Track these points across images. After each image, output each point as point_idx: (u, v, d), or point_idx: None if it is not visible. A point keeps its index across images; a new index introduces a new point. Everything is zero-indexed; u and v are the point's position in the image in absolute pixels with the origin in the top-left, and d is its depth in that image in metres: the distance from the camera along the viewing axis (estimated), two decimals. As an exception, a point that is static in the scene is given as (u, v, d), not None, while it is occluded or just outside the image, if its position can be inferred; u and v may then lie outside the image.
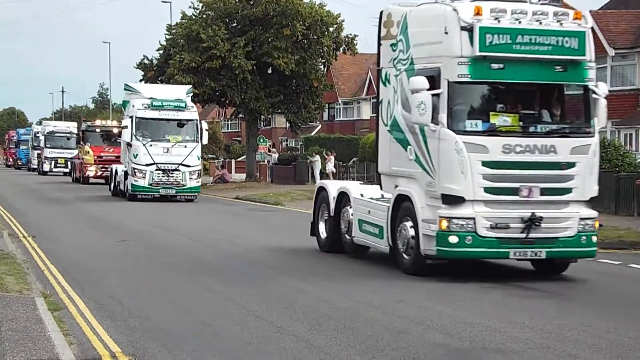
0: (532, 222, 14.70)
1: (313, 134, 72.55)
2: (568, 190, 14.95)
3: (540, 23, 14.80)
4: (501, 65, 14.68)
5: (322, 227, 19.47)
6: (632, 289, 15.48)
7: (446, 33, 14.82)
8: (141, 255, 18.89)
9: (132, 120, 36.23)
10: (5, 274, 14.48)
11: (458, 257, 15.08)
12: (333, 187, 19.16)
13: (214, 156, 70.78)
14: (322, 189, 19.66)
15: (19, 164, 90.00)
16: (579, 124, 15.40)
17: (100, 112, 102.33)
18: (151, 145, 35.88)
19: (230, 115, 60.68)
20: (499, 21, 14.66)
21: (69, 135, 70.64)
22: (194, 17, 49.44)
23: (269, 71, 50.00)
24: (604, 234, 19.92)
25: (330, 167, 50.61)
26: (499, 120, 14.88)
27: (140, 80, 49.75)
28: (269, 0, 47.56)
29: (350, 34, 50.84)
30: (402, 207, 15.87)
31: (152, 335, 10.77)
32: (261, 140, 56.28)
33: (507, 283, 14.99)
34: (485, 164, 14.61)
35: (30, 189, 46.52)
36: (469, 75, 14.64)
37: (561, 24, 14.90)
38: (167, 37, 51.17)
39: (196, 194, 37.08)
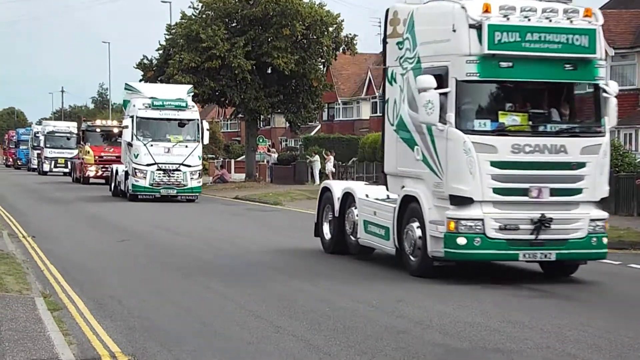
0: (541, 224, 14.48)
1: (312, 134, 72.55)
2: (578, 191, 14.72)
3: (550, 20, 14.56)
4: (510, 64, 14.45)
5: (326, 228, 19.20)
6: (632, 289, 15.47)
7: (454, 31, 14.58)
8: (141, 255, 18.89)
9: (132, 120, 36.03)
10: (5, 273, 14.48)
11: (466, 259, 14.81)
12: (337, 188, 18.87)
13: (214, 156, 70.79)
14: (326, 190, 19.37)
15: (19, 164, 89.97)
16: (590, 123, 15.17)
17: (100, 112, 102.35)
18: (152, 145, 35.68)
19: (230, 115, 60.69)
20: (508, 19, 14.43)
21: (69, 135, 70.57)
22: (193, 17, 49.46)
23: (269, 71, 50.01)
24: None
25: (330, 167, 50.60)
26: (508, 119, 14.66)
27: (140, 80, 49.71)
28: (268, 0, 47.57)
29: (350, 34, 50.94)
30: (408, 208, 15.64)
31: (152, 335, 10.77)
32: (261, 140, 56.27)
33: (507, 283, 14.97)
34: (494, 164, 14.39)
35: (30, 189, 46.52)
36: (478, 74, 14.42)
37: (571, 21, 14.65)
38: (167, 37, 51.19)
39: (197, 194, 36.89)
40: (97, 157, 51.34)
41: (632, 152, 34.78)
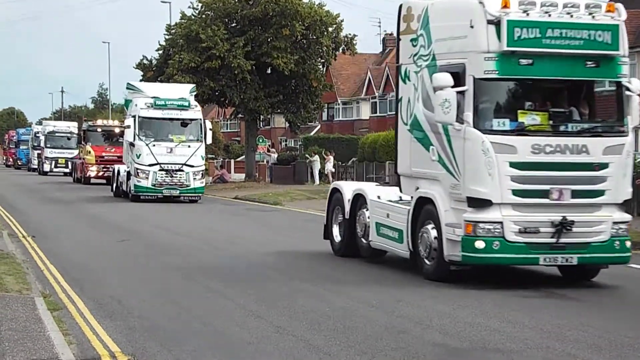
0: (562, 227, 14.02)
1: (312, 134, 72.53)
2: (601, 193, 14.26)
3: (571, 16, 14.10)
4: (530, 61, 14.01)
5: (336, 230, 18.69)
6: (632, 288, 15.46)
7: (472, 27, 14.12)
8: (141, 255, 18.89)
9: (134, 120, 35.67)
10: (4, 273, 14.49)
11: (485, 264, 14.37)
12: (348, 189, 18.31)
13: (214, 156, 70.77)
14: (335, 191, 18.82)
15: (19, 164, 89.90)
16: (612, 123, 14.72)
17: (100, 112, 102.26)
18: (154, 145, 35.33)
19: (230, 115, 60.71)
20: (527, 14, 13.95)
21: (69, 135, 70.47)
22: (193, 17, 49.46)
23: (268, 71, 50.03)
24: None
25: (330, 167, 50.60)
26: (528, 118, 14.21)
27: (140, 81, 49.67)
28: (268, 0, 47.58)
29: (350, 34, 50.94)
30: (423, 210, 15.14)
31: (152, 335, 10.77)
32: (260, 140, 56.27)
33: (507, 283, 14.96)
34: (513, 165, 13.94)
35: (31, 189, 46.51)
36: (497, 72, 13.96)
37: (593, 16, 14.18)
38: (167, 37, 51.18)
39: (200, 194, 36.52)
40: (98, 157, 51.19)
41: (633, 153, 34.70)
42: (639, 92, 14.69)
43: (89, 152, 51.60)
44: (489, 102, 14.34)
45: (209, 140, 37.35)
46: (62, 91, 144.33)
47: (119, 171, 38.65)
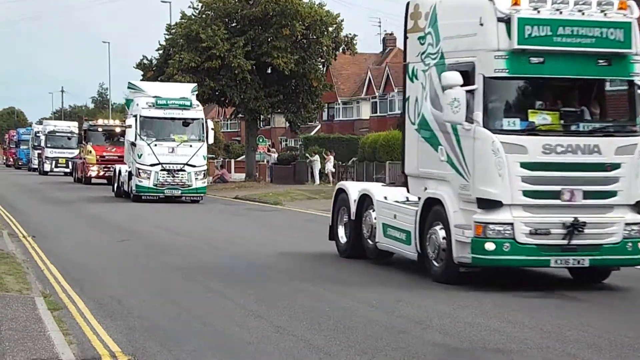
0: (574, 228, 13.80)
1: (312, 133, 72.53)
2: (613, 194, 14.02)
3: (583, 13, 13.87)
4: (541, 59, 13.78)
5: (341, 231, 18.40)
6: (632, 288, 15.45)
7: (481, 25, 13.89)
8: (141, 255, 18.90)
9: (136, 119, 35.41)
10: (5, 273, 14.50)
11: (495, 265, 14.18)
12: (354, 189, 18.05)
13: (214, 156, 70.75)
14: (341, 191, 18.54)
15: (20, 163, 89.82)
16: (624, 122, 14.50)
17: (100, 112, 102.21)
18: (156, 145, 35.06)
19: (230, 115, 60.70)
20: (538, 11, 13.72)
21: (69, 135, 70.35)
22: (193, 17, 49.47)
23: (269, 71, 50.04)
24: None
25: (330, 167, 50.62)
26: (538, 118, 13.98)
27: (141, 80, 49.65)
28: (268, 0, 47.58)
29: (350, 34, 50.95)
30: (432, 211, 14.91)
31: (152, 335, 10.78)
32: (260, 140, 56.29)
33: (507, 283, 14.96)
34: (524, 165, 13.70)
35: (31, 189, 46.49)
36: (507, 70, 13.74)
37: (605, 14, 13.94)
38: (167, 37, 51.20)
39: (202, 194, 36.23)
40: (99, 157, 51.03)
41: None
42: None
43: (90, 151, 51.48)
44: (499, 101, 14.15)
45: (211, 140, 37.10)
46: (62, 91, 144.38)
47: (120, 171, 38.42)
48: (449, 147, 14.60)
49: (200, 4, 49.79)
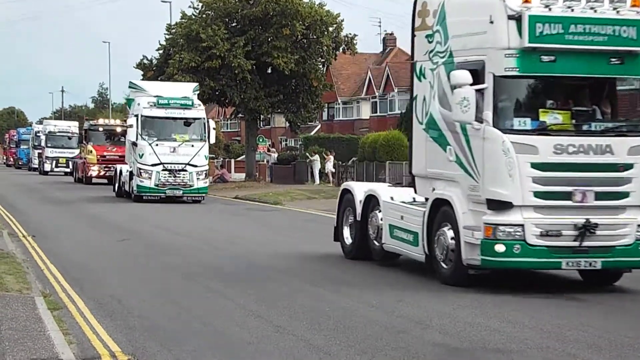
0: (586, 229, 13.56)
1: (312, 133, 72.56)
2: (625, 195, 13.78)
3: (595, 11, 13.62)
4: (552, 58, 13.54)
5: (346, 232, 18.14)
6: (632, 288, 15.44)
7: (491, 22, 13.64)
8: (141, 254, 18.90)
9: (137, 119, 35.13)
10: (5, 273, 14.50)
11: (505, 268, 13.95)
12: (359, 190, 17.76)
13: (214, 156, 70.76)
14: (346, 192, 18.26)
15: (20, 163, 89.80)
16: (637, 122, 14.32)
17: (100, 112, 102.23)
18: (157, 145, 34.81)
19: (230, 114, 60.72)
20: (549, 9, 13.49)
21: (70, 134, 70.28)
22: (193, 17, 49.49)
23: (269, 71, 50.06)
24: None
25: (330, 166, 50.61)
26: (550, 117, 13.76)
27: (141, 80, 49.66)
28: (268, 0, 47.59)
29: (350, 34, 50.98)
30: (440, 212, 14.67)
31: (152, 335, 10.78)
32: (261, 140, 56.29)
33: (507, 283, 14.95)
34: (535, 165, 13.47)
35: (31, 188, 46.49)
36: (517, 69, 13.51)
37: (618, 11, 13.68)
38: (167, 36, 51.22)
39: (204, 194, 35.98)
40: (99, 157, 50.92)
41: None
42: None
43: (91, 151, 51.40)
44: (510, 100, 13.94)
45: (213, 140, 36.86)
46: (63, 91, 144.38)
47: (121, 171, 38.22)
48: (458, 147, 14.41)
49: (200, 4, 49.82)
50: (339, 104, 78.82)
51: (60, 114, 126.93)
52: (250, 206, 35.45)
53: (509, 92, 13.88)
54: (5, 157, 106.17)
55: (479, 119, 13.71)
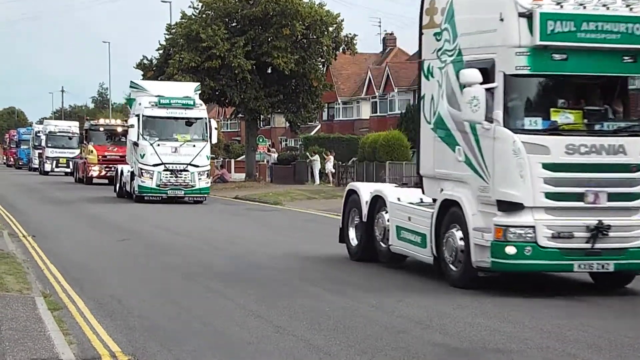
0: (598, 231, 13.30)
1: (312, 133, 72.56)
2: (638, 196, 13.55)
3: (608, 8, 13.37)
4: (564, 56, 13.28)
5: (352, 233, 17.85)
6: (633, 289, 15.43)
7: (502, 20, 13.41)
8: (141, 255, 18.91)
9: (138, 119, 34.87)
10: (5, 273, 14.50)
11: (515, 270, 13.69)
12: (365, 190, 17.48)
13: (214, 156, 70.73)
14: (352, 192, 17.96)
15: (20, 163, 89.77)
16: None
17: (100, 112, 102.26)
18: (159, 145, 34.55)
19: (230, 114, 60.76)
20: (561, 6, 13.25)
21: (70, 134, 70.19)
22: (193, 17, 49.51)
23: (269, 71, 50.08)
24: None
25: (330, 167, 50.62)
26: (561, 117, 13.51)
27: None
28: (268, 0, 47.60)
29: (350, 34, 51.02)
30: (448, 213, 14.43)
31: (152, 335, 10.78)
32: (261, 140, 56.29)
33: (507, 283, 14.94)
34: (546, 166, 13.23)
35: (31, 188, 46.48)
36: (528, 67, 13.26)
37: (631, 9, 13.45)
38: (167, 36, 51.24)
39: (205, 195, 35.72)
40: (100, 157, 50.77)
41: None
42: None
43: (91, 151, 51.28)
44: (520, 99, 13.71)
45: (215, 140, 36.60)
46: (63, 91, 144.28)
47: (122, 171, 37.99)
48: (467, 147, 14.19)
49: (200, 4, 49.83)
50: (339, 104, 78.81)
51: (60, 114, 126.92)
52: (250, 206, 35.44)
53: (519, 91, 13.67)
54: (5, 157, 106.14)
55: (489, 118, 13.52)
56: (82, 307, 12.51)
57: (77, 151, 61.15)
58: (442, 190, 14.89)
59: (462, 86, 13.83)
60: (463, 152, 14.30)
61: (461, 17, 14.59)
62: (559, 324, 11.62)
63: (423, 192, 15.90)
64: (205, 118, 35.99)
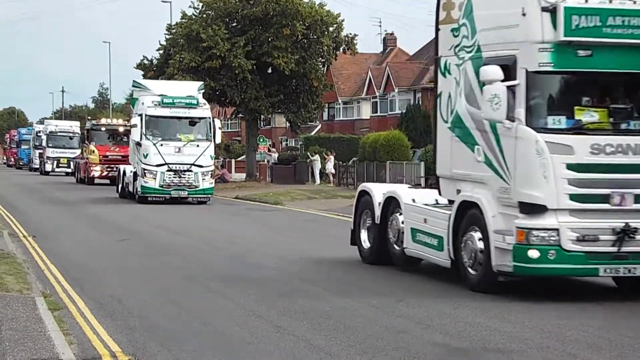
0: (625, 234, 12.83)
1: (313, 133, 72.58)
2: None
3: (635, 2, 12.92)
4: (589, 52, 12.83)
5: (364, 235, 17.30)
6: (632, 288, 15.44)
7: (524, 15, 12.96)
8: (141, 254, 18.91)
9: (141, 119, 34.50)
10: (5, 273, 14.50)
11: (538, 275, 13.30)
12: (378, 191, 16.91)
13: (214, 156, 70.74)
14: (364, 193, 17.39)
15: (20, 163, 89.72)
16: None
17: (100, 112, 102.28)
18: (162, 145, 34.19)
19: (230, 115, 60.78)
20: (586, 0, 12.79)
21: (71, 134, 70.08)
22: (194, 17, 49.52)
23: (269, 71, 50.08)
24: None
25: (330, 167, 50.63)
26: (586, 115, 13.04)
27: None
28: (268, 0, 47.61)
29: (350, 34, 51.00)
30: (467, 215, 13.98)
31: (152, 335, 10.78)
32: (261, 140, 56.30)
33: (507, 283, 14.92)
34: (570, 167, 12.78)
35: (32, 189, 46.48)
36: (552, 64, 12.80)
37: None
38: (167, 36, 51.25)
39: (209, 195, 35.38)
40: (102, 157, 50.53)
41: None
42: None
43: (93, 151, 51.09)
44: (543, 97, 13.22)
45: (218, 140, 36.27)
46: (63, 91, 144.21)
47: (124, 172, 37.60)
48: (487, 147, 13.75)
49: (200, 4, 49.85)
50: (339, 104, 78.84)
51: (60, 114, 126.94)
52: (251, 206, 35.43)
53: (542, 88, 13.17)
54: (5, 158, 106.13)
55: (511, 117, 13.08)
56: (83, 307, 12.51)
57: (78, 151, 61.11)
58: (458, 191, 14.52)
59: (482, 84, 13.44)
60: (482, 152, 13.88)
61: (480, 13, 14.16)
62: (559, 324, 11.62)
63: (440, 193, 15.46)
64: (209, 117, 35.53)
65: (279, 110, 53.42)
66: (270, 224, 27.58)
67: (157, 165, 34.22)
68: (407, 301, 13.18)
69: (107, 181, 48.51)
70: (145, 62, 52.22)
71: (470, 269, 13.99)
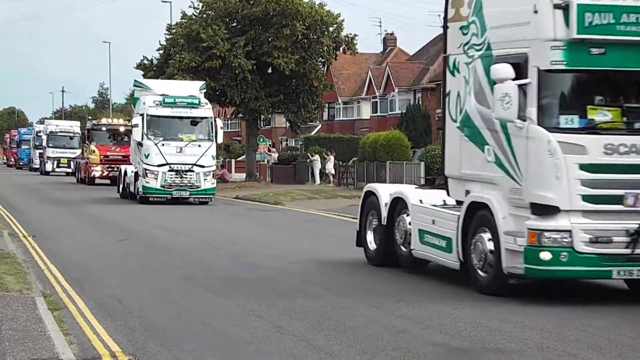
0: (639, 236, 12.67)
1: (313, 133, 72.60)
2: None
3: None
4: (602, 50, 12.58)
5: (370, 237, 17.07)
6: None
7: (535, 12, 12.72)
8: (141, 254, 18.91)
9: (143, 118, 34.28)
10: (5, 273, 14.50)
11: (550, 277, 13.04)
12: (384, 192, 16.67)
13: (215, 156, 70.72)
14: (370, 194, 17.15)
15: (21, 163, 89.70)
16: None
17: (100, 112, 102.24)
18: (163, 145, 33.96)
19: (230, 115, 60.78)
20: None
21: (72, 134, 70.00)
22: (194, 17, 49.52)
23: (269, 71, 50.08)
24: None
25: (330, 167, 50.63)
26: (599, 115, 12.80)
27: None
28: (268, 0, 47.62)
29: (350, 34, 51.01)
30: (476, 216, 13.77)
31: (152, 335, 10.79)
32: (261, 140, 56.30)
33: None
34: (583, 167, 12.55)
35: (32, 189, 46.48)
36: (564, 62, 12.56)
37: None
38: (167, 37, 51.25)
39: (211, 196, 35.15)
40: (102, 157, 50.36)
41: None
42: None
43: (94, 151, 50.99)
44: (555, 96, 12.98)
45: (220, 140, 36.06)
46: (63, 91, 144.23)
47: (125, 172, 37.36)
48: (498, 147, 13.52)
49: (200, 4, 49.85)
50: (339, 104, 78.87)
51: (60, 114, 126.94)
52: (251, 206, 35.43)
53: (554, 87, 12.95)
54: (5, 158, 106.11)
55: (522, 116, 12.86)
56: (83, 307, 12.51)
57: (78, 151, 61.06)
58: (468, 192, 14.32)
59: (493, 82, 13.25)
60: (493, 152, 13.67)
61: (490, 10, 13.96)
62: (559, 324, 11.63)
63: (448, 194, 15.24)
64: (211, 117, 35.33)
65: (279, 110, 53.43)
66: (270, 224, 27.58)
67: (159, 166, 34.01)
68: (407, 301, 13.18)
69: (108, 181, 48.47)
70: (145, 62, 52.22)
71: (479, 271, 13.80)
